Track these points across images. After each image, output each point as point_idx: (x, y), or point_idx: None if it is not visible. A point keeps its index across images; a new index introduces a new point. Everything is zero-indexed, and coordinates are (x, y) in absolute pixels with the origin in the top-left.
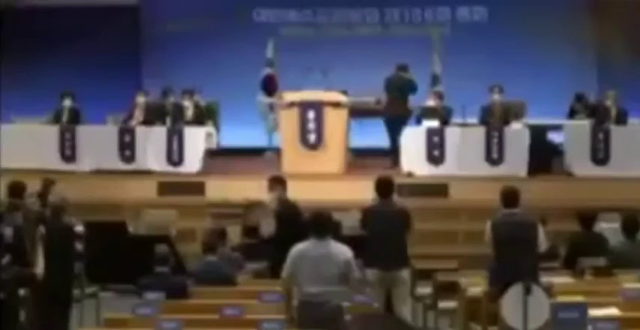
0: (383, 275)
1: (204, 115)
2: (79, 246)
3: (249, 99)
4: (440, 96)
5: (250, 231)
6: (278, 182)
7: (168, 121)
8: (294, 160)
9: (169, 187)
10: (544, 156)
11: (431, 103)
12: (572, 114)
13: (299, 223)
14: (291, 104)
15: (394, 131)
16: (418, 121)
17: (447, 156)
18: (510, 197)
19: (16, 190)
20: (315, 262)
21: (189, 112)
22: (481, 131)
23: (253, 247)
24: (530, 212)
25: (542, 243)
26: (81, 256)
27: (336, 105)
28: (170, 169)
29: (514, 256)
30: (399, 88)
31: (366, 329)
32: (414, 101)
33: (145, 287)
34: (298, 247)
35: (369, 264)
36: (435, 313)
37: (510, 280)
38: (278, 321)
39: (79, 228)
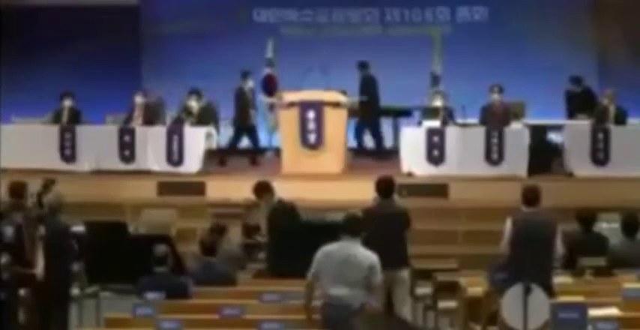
0: (383, 275)
1: (209, 116)
2: (75, 245)
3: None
4: (443, 96)
5: (250, 231)
6: (264, 191)
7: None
8: (294, 160)
9: (169, 187)
10: (544, 156)
11: (437, 103)
12: (569, 101)
13: (293, 224)
14: (291, 104)
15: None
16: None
17: (447, 156)
18: (532, 196)
19: (18, 190)
20: (341, 263)
21: (195, 112)
22: (481, 131)
23: (253, 247)
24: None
25: (559, 249)
26: (78, 256)
27: (336, 105)
28: (170, 169)
29: (532, 255)
30: (374, 87)
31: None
32: (415, 101)
33: (145, 287)
34: (325, 248)
35: None
36: (435, 313)
37: (527, 279)
38: (278, 321)
39: (79, 228)
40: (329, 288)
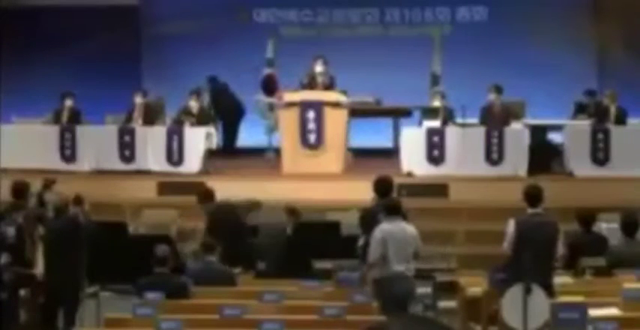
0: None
1: (209, 117)
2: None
3: (249, 99)
4: (443, 96)
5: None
6: (207, 197)
7: None
8: (294, 160)
9: (169, 187)
10: (544, 156)
11: (437, 103)
12: (579, 110)
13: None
14: (291, 104)
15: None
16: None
17: (447, 156)
18: (535, 195)
19: (20, 189)
20: (401, 240)
21: (195, 113)
22: (481, 131)
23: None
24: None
25: (559, 249)
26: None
27: (336, 105)
28: (170, 169)
29: (534, 256)
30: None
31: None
32: (414, 101)
33: (145, 287)
34: (383, 228)
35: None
36: (435, 313)
37: (527, 279)
38: (278, 321)
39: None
40: (394, 264)
